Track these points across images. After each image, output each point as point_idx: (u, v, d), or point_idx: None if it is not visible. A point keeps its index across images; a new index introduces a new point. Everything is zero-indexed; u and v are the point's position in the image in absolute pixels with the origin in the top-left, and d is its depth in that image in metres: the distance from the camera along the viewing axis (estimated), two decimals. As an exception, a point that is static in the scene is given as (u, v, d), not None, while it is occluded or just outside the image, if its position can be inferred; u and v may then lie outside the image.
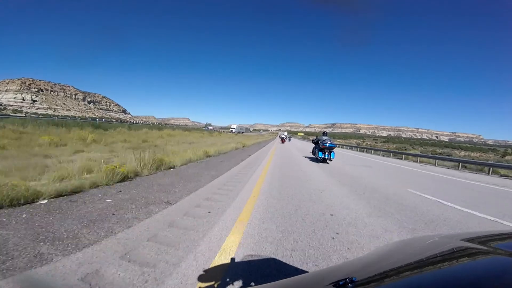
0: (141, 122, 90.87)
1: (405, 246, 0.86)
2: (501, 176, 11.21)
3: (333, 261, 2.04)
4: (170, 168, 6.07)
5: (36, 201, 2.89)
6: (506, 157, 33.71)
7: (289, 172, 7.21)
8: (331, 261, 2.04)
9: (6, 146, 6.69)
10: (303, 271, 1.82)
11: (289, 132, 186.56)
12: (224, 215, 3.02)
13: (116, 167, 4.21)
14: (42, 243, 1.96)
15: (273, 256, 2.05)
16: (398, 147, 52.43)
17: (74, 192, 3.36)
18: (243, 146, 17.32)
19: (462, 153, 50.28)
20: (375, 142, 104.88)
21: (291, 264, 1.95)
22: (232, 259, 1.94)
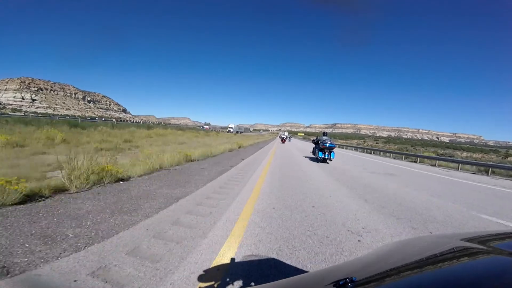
0: (141, 122, 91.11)
1: (405, 246, 0.86)
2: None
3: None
4: (120, 180, 4.45)
5: None
6: (508, 158, 33.74)
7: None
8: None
9: None
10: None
11: (289, 132, 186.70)
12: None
13: (10, 181, 2.81)
14: None
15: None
16: (400, 147, 52.30)
17: None
18: (239, 147, 16.07)
19: (464, 154, 50.26)
20: (376, 143, 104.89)
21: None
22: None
